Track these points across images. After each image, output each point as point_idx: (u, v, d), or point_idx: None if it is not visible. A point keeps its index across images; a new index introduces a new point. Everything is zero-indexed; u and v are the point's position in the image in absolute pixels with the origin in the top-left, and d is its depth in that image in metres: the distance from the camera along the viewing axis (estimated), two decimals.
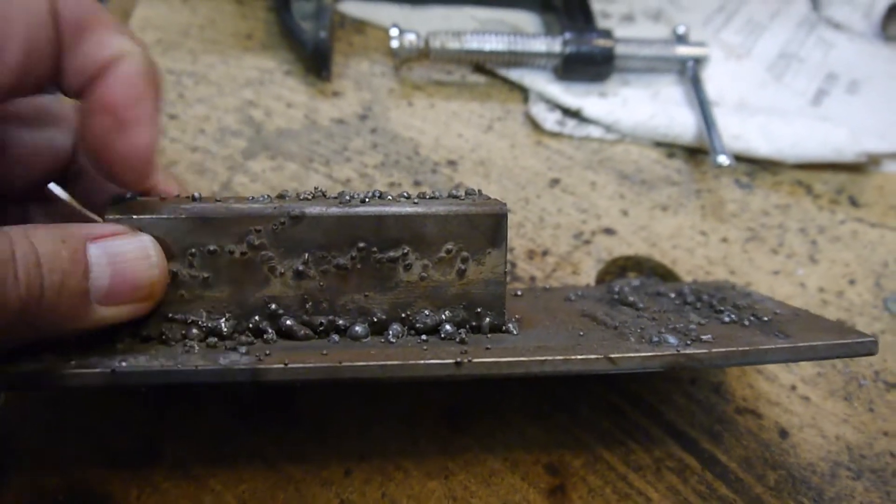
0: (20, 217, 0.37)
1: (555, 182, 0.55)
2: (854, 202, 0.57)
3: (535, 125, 0.59)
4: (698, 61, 0.61)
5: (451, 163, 0.55)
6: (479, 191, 0.38)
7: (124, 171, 0.33)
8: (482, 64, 0.61)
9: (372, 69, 0.61)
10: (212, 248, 0.34)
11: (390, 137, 0.56)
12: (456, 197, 0.37)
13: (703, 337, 0.36)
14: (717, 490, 0.41)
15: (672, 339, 0.36)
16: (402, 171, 0.54)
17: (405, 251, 0.35)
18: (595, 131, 0.58)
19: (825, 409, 0.45)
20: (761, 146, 0.57)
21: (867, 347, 0.36)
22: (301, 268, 0.34)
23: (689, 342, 0.36)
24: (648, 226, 0.53)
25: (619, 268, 0.51)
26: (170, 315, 0.34)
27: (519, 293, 0.44)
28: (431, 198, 0.37)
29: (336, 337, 0.35)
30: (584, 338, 0.36)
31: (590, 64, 0.59)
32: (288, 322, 0.35)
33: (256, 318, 0.35)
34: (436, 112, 0.59)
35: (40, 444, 0.39)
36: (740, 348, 0.35)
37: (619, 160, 0.57)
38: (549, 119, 0.58)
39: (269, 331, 0.35)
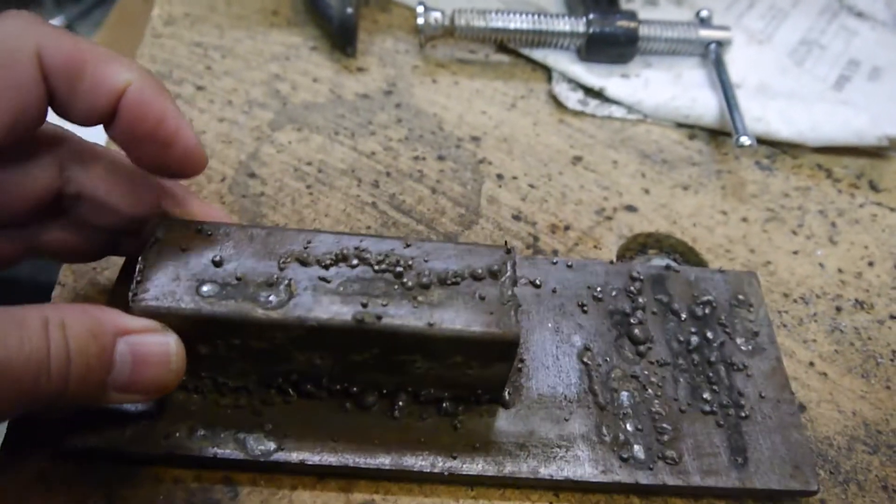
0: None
1: (577, 159, 0.55)
2: (874, 187, 0.57)
3: (558, 104, 0.59)
4: (721, 45, 0.61)
5: (475, 139, 0.56)
6: (512, 265, 0.38)
7: (185, 169, 0.36)
8: (505, 43, 0.62)
9: (396, 46, 0.62)
10: (235, 342, 0.36)
11: (414, 113, 0.57)
12: (479, 280, 0.37)
13: (668, 453, 0.39)
14: None
15: (640, 453, 0.39)
16: (425, 146, 0.54)
17: (416, 358, 0.37)
18: (617, 111, 0.59)
19: (842, 385, 0.45)
20: (782, 129, 0.57)
21: (807, 495, 0.40)
22: (319, 361, 0.37)
23: (652, 463, 0.39)
24: (669, 204, 0.53)
25: (639, 244, 0.51)
26: (202, 374, 0.38)
27: (538, 282, 0.45)
28: (453, 283, 0.37)
29: (349, 405, 0.39)
30: (568, 426, 0.40)
31: (613, 45, 0.60)
32: (308, 387, 0.39)
33: (280, 380, 0.38)
34: (459, 89, 0.59)
35: None
36: (693, 485, 0.39)
37: (641, 140, 0.58)
38: (572, 98, 0.59)
39: (291, 392, 0.39)
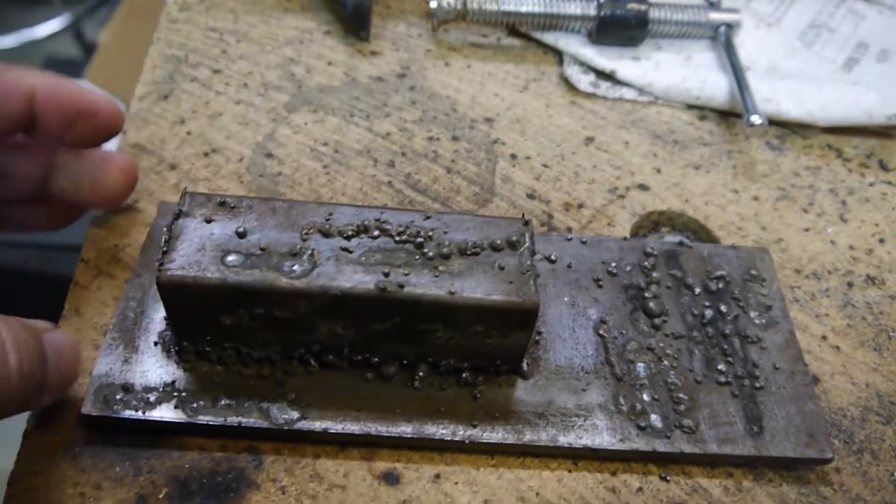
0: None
1: (589, 140, 0.56)
2: (883, 166, 0.57)
3: (570, 86, 0.60)
4: (731, 27, 0.62)
5: (488, 120, 0.56)
6: (531, 237, 0.39)
7: (112, 128, 0.42)
8: (517, 27, 0.62)
9: (409, 31, 0.62)
10: (259, 311, 0.36)
11: (428, 95, 0.57)
12: (498, 250, 0.38)
13: (685, 422, 0.40)
14: None
15: (657, 422, 0.40)
16: (440, 127, 0.55)
17: (437, 327, 0.37)
18: (628, 93, 0.59)
19: (855, 358, 0.46)
20: (792, 109, 0.58)
21: (822, 462, 0.40)
22: (341, 331, 0.38)
23: (668, 432, 0.40)
24: (681, 183, 0.54)
25: (652, 222, 0.52)
26: (226, 345, 0.39)
27: (553, 258, 0.46)
28: (473, 254, 0.38)
29: (369, 375, 0.40)
30: (586, 396, 0.40)
31: (624, 28, 0.60)
32: (330, 357, 0.39)
33: (302, 350, 0.39)
34: (472, 73, 0.60)
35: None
36: (709, 452, 0.39)
37: (652, 121, 0.58)
38: (584, 81, 0.60)
39: (313, 363, 0.39)
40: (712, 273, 0.46)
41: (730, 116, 0.59)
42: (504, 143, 0.55)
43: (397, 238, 0.38)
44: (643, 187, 0.53)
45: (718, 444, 0.39)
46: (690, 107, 0.60)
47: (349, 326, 0.37)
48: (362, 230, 0.38)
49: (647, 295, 0.45)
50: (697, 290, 0.46)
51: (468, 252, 0.38)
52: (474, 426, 0.39)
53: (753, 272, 0.47)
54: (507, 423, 0.39)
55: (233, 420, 0.37)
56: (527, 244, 0.38)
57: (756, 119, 0.54)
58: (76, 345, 0.36)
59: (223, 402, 0.38)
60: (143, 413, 0.37)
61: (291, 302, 0.36)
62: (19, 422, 0.38)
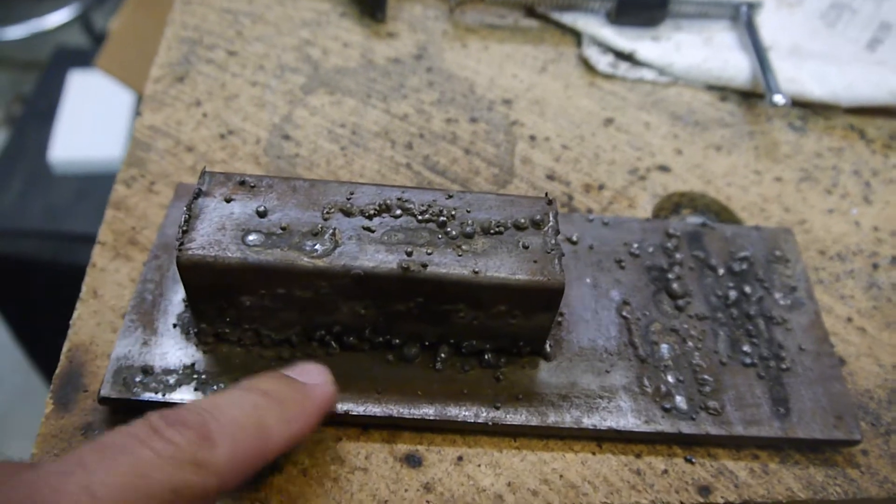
0: None
1: (609, 121, 0.55)
2: None
3: (589, 67, 0.59)
4: (752, 7, 0.61)
5: (507, 101, 0.55)
6: (555, 216, 0.38)
7: None
8: (535, 7, 0.61)
9: (425, 13, 0.62)
10: (280, 291, 0.36)
11: (446, 77, 0.57)
12: (522, 229, 0.37)
13: (710, 404, 0.39)
14: None
15: (682, 404, 0.39)
16: (458, 108, 0.54)
17: (460, 307, 0.37)
18: (648, 74, 0.59)
19: (881, 339, 0.45)
20: (815, 89, 0.57)
21: (849, 444, 0.39)
22: (363, 311, 0.37)
23: (696, 411, 0.39)
24: (702, 164, 0.53)
25: (673, 203, 0.51)
26: (245, 326, 0.38)
27: (574, 239, 0.45)
28: (496, 233, 0.37)
29: (391, 357, 0.39)
30: (609, 378, 0.40)
31: (643, 8, 0.60)
32: (350, 339, 0.39)
33: (322, 332, 0.39)
34: (490, 54, 0.59)
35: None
36: (737, 434, 0.39)
37: (672, 102, 0.57)
38: (602, 61, 0.59)
39: (333, 345, 0.39)
40: (736, 254, 0.46)
41: (751, 97, 0.58)
42: (523, 124, 0.54)
43: (420, 217, 0.37)
44: (664, 168, 0.52)
45: (744, 425, 0.39)
46: (711, 87, 0.59)
47: (371, 307, 0.37)
48: (384, 209, 0.37)
49: (669, 276, 0.44)
50: (721, 272, 0.45)
51: (492, 231, 0.37)
52: (497, 408, 0.38)
53: (777, 253, 0.46)
54: (530, 405, 0.38)
55: None
56: (551, 223, 0.38)
57: (779, 99, 0.53)
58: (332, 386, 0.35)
59: None
60: (163, 395, 0.36)
61: (313, 281, 0.35)
62: (40, 409, 0.38)
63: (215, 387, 0.37)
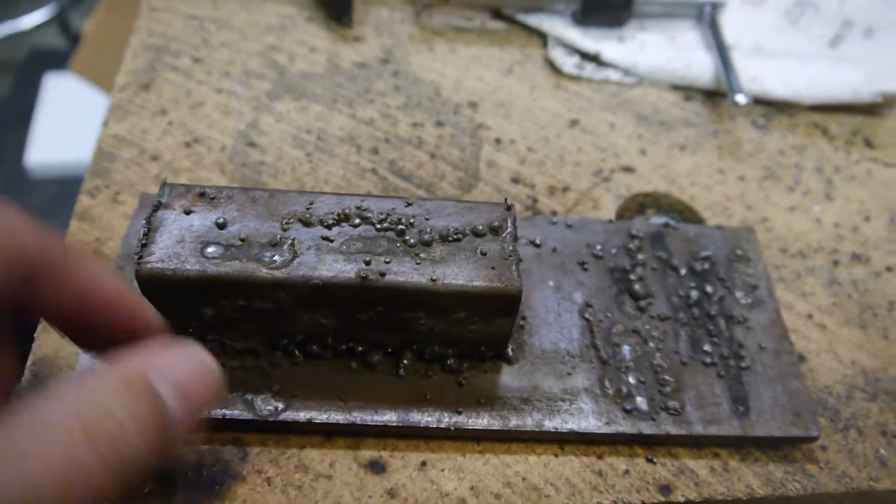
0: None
1: (574, 123, 0.56)
2: (869, 143, 0.57)
3: (554, 69, 0.59)
4: (716, 6, 0.62)
5: (472, 104, 0.56)
6: (513, 222, 0.38)
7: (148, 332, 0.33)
8: (501, 9, 0.62)
9: (392, 16, 0.62)
10: (241, 303, 0.36)
11: (412, 80, 0.57)
12: (480, 236, 0.38)
13: (670, 404, 0.40)
14: None
15: (643, 405, 0.40)
16: (424, 112, 0.55)
17: (420, 315, 0.37)
18: (613, 75, 0.59)
19: (841, 335, 0.46)
20: (778, 88, 0.57)
21: (808, 441, 0.40)
22: (324, 320, 0.37)
23: (654, 414, 0.40)
24: (667, 164, 0.54)
25: (638, 204, 0.52)
26: (208, 337, 0.38)
27: (538, 242, 0.45)
28: (455, 240, 0.37)
29: (354, 364, 0.40)
30: (571, 380, 0.40)
31: (608, 9, 0.60)
32: (314, 347, 0.39)
33: (285, 341, 0.39)
34: (456, 57, 0.59)
35: None
36: (697, 434, 0.39)
37: (637, 102, 0.58)
38: (568, 63, 0.59)
39: (297, 353, 0.39)
40: (698, 254, 0.46)
41: (715, 96, 0.59)
42: (489, 127, 0.54)
43: (378, 226, 0.37)
44: (628, 169, 0.53)
45: (704, 425, 0.40)
46: (676, 87, 0.59)
47: (332, 316, 0.37)
48: (343, 219, 0.37)
49: (632, 277, 0.45)
50: (683, 272, 0.45)
51: (450, 238, 0.37)
52: (459, 413, 0.39)
53: (739, 252, 0.47)
54: (492, 409, 0.39)
55: (217, 413, 0.37)
56: (509, 229, 0.38)
57: (741, 99, 0.54)
58: (201, 369, 0.29)
59: None
60: None
61: (272, 292, 0.36)
62: None
63: None
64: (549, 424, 0.39)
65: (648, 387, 0.41)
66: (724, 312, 0.44)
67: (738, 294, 0.45)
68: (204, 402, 0.29)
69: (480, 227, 0.38)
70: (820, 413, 0.42)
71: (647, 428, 0.39)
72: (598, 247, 0.46)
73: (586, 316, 0.43)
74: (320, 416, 0.38)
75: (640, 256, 0.46)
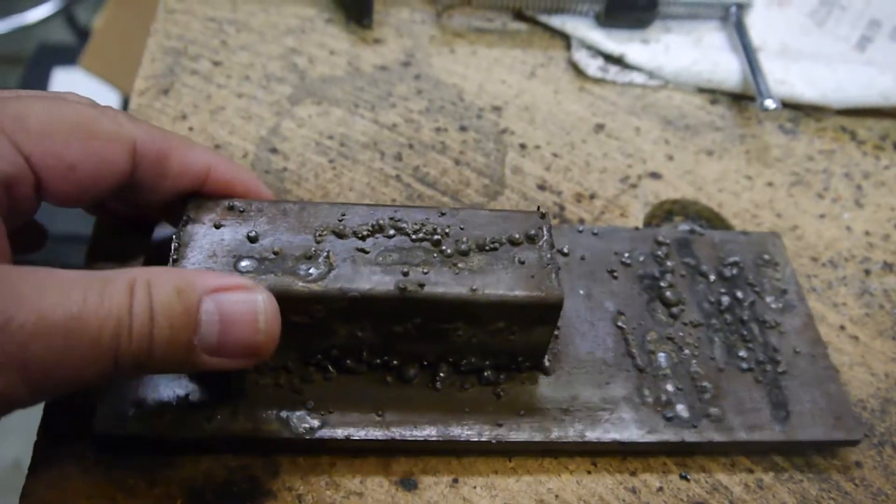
0: None
1: (599, 127, 0.55)
2: None
3: (578, 71, 0.58)
4: (741, 7, 0.61)
5: (496, 108, 0.55)
6: (548, 230, 0.38)
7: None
8: (523, 10, 0.61)
9: (412, 17, 0.61)
10: None
11: (434, 83, 0.56)
12: (517, 244, 0.37)
13: (711, 411, 0.39)
14: None
15: (683, 412, 0.39)
16: (447, 117, 0.54)
17: (458, 325, 0.36)
18: (638, 77, 0.58)
19: (874, 348, 0.45)
20: (805, 91, 0.57)
21: (851, 444, 0.40)
22: (360, 333, 0.37)
23: (697, 419, 0.39)
24: (694, 170, 0.53)
25: (665, 211, 0.51)
26: None
27: (566, 251, 0.45)
28: (492, 249, 0.37)
29: (389, 379, 0.39)
30: (609, 390, 0.40)
31: (632, 10, 0.59)
32: (348, 362, 0.38)
33: (319, 356, 0.38)
34: (478, 59, 0.58)
35: None
36: (738, 440, 0.39)
37: (663, 106, 0.57)
38: (592, 65, 0.58)
39: (330, 369, 0.38)
40: (725, 259, 0.46)
41: (742, 99, 0.58)
42: (513, 132, 0.53)
43: (413, 236, 0.37)
44: (655, 175, 0.52)
45: (747, 431, 0.39)
46: (701, 90, 0.58)
47: (368, 329, 0.37)
48: (377, 230, 0.37)
49: (662, 284, 0.44)
50: (712, 277, 0.45)
51: (486, 248, 0.37)
52: (500, 425, 0.38)
53: (766, 257, 0.46)
54: (532, 421, 0.38)
55: (253, 432, 0.36)
56: (545, 237, 0.38)
57: (770, 104, 0.53)
58: (257, 307, 0.32)
59: (241, 415, 0.37)
60: (156, 429, 0.36)
61: (309, 306, 0.35)
62: (36, 412, 0.37)
63: (211, 417, 0.36)
64: (592, 435, 0.38)
65: (687, 394, 0.40)
66: (756, 317, 0.44)
67: (769, 299, 0.44)
68: (239, 351, 0.31)
69: (517, 236, 0.37)
70: None
71: (689, 436, 0.38)
72: (626, 254, 0.45)
73: (619, 324, 0.42)
74: (358, 433, 0.37)
75: (668, 263, 0.45)
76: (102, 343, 0.28)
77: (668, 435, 0.38)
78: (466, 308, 0.36)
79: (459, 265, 0.36)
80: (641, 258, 0.45)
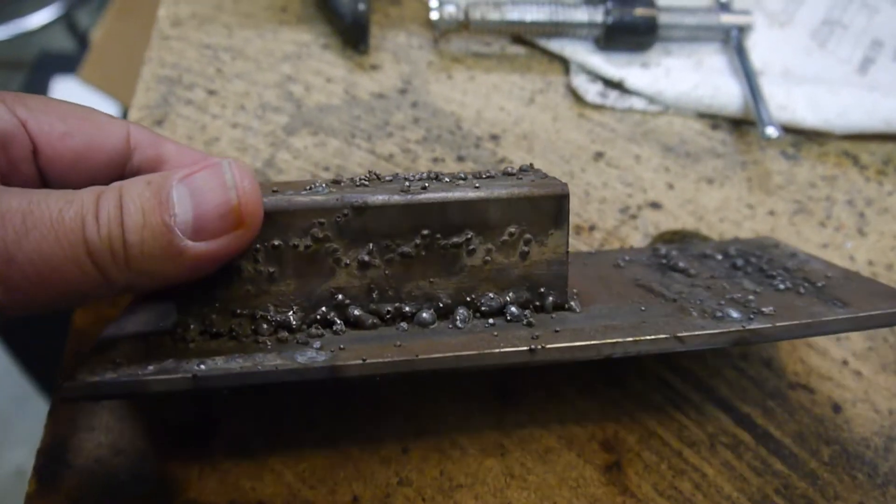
0: None
1: (599, 155, 0.54)
2: None
3: (577, 97, 0.58)
4: (742, 29, 0.60)
5: (494, 137, 0.54)
6: (532, 165, 0.39)
7: None
8: (522, 35, 0.60)
9: (409, 41, 0.60)
10: (276, 243, 0.34)
11: (431, 111, 0.56)
12: (511, 175, 0.37)
13: (764, 309, 0.37)
14: (771, 465, 0.41)
15: (734, 314, 0.36)
16: (444, 147, 0.53)
17: (469, 236, 0.35)
18: (638, 103, 0.57)
19: (877, 383, 0.44)
20: (808, 116, 0.56)
21: None
22: (366, 258, 0.35)
23: (751, 315, 0.36)
24: (694, 199, 0.52)
25: (665, 242, 0.50)
26: (237, 311, 0.34)
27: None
28: (489, 177, 0.37)
29: (404, 325, 0.35)
30: (647, 313, 0.37)
31: (632, 34, 0.58)
32: (356, 312, 0.35)
33: (324, 309, 0.35)
34: (476, 85, 0.58)
35: (101, 423, 0.39)
36: (804, 321, 0.36)
37: (663, 132, 0.56)
38: (591, 91, 0.58)
39: (338, 321, 0.35)
40: (727, 250, 0.46)
41: (743, 124, 0.57)
42: (511, 161, 0.53)
43: (411, 178, 0.37)
44: (655, 205, 0.52)
45: (810, 316, 0.36)
46: (702, 115, 0.58)
47: (374, 254, 0.35)
48: (375, 178, 0.38)
49: (671, 263, 0.43)
50: (719, 257, 0.45)
51: (484, 176, 0.37)
52: (536, 338, 0.34)
53: (763, 250, 0.46)
54: (573, 335, 0.35)
55: (256, 372, 0.32)
56: (537, 171, 0.39)
57: (772, 132, 0.52)
58: (222, 169, 0.31)
59: (237, 359, 0.33)
60: (141, 382, 0.32)
61: (311, 220, 0.33)
62: (40, 419, 0.37)
63: (208, 366, 0.32)
64: (648, 335, 0.35)
65: (734, 304, 0.37)
66: (776, 265, 0.43)
67: (782, 259, 0.44)
68: (219, 220, 0.31)
69: (510, 170, 0.39)
70: (857, 468, 0.41)
71: (754, 324, 0.35)
72: (626, 257, 0.45)
73: (641, 283, 0.41)
74: (374, 360, 0.32)
75: (673, 253, 0.45)
76: (65, 224, 0.28)
77: (733, 326, 0.35)
78: (473, 211, 0.35)
79: (459, 183, 0.36)
80: (644, 258, 0.45)
